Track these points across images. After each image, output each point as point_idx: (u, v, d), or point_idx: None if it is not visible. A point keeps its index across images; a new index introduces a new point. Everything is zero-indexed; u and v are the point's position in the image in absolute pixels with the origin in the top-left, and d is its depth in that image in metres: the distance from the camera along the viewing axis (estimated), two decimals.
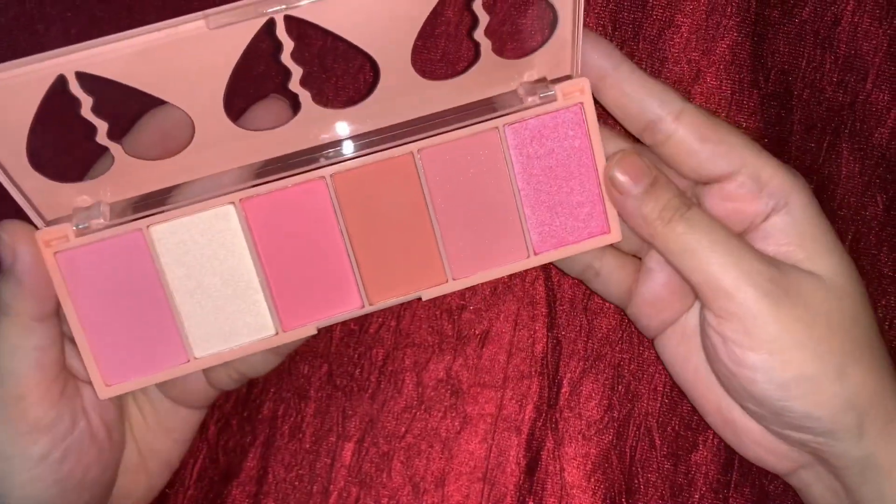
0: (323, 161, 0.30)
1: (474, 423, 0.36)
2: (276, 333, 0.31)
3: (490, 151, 0.31)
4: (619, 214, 0.32)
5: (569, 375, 0.36)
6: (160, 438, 0.33)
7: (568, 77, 0.32)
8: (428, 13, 0.28)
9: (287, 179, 0.30)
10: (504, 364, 0.36)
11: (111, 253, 0.29)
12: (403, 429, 0.36)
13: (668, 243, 0.30)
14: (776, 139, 0.35)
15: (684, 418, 0.36)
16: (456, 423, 0.36)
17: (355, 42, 0.28)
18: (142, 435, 0.33)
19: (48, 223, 0.29)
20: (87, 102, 0.26)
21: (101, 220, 0.29)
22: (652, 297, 0.33)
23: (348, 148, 0.30)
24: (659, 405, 0.36)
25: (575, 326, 0.36)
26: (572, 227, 0.33)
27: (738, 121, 0.35)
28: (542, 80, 0.32)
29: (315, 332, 0.31)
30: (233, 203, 0.30)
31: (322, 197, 0.30)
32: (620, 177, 0.31)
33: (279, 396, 0.36)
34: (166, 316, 0.30)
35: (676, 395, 0.36)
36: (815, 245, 0.30)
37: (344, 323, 0.36)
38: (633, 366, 0.36)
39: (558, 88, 0.31)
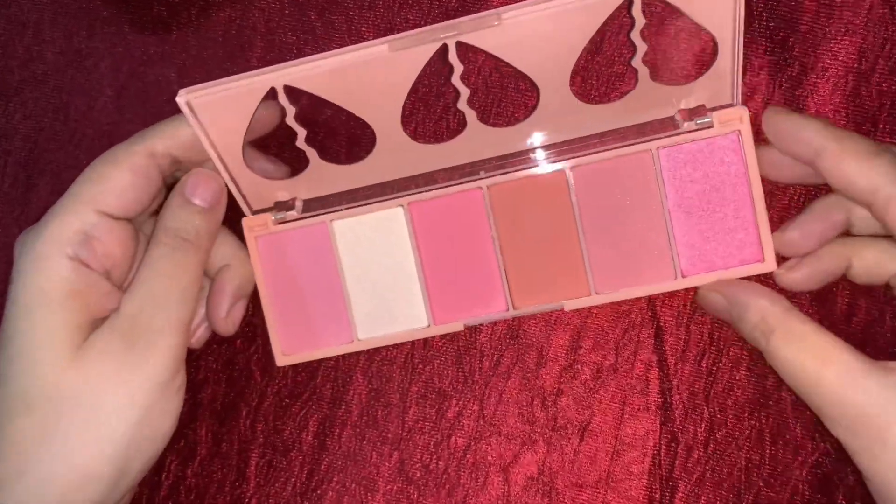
0: (482, 174, 0.33)
1: None
2: (428, 326, 0.34)
3: (642, 173, 0.33)
4: None
5: (685, 479, 0.33)
6: None
7: (729, 106, 0.32)
8: (587, 41, 0.30)
9: (449, 188, 0.34)
10: (607, 462, 0.33)
11: (300, 241, 0.35)
12: None
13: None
14: None
15: None
16: None
17: (518, 67, 0.31)
18: None
19: (253, 212, 0.35)
20: (290, 112, 0.32)
21: (295, 213, 0.34)
22: None
23: (506, 163, 0.33)
24: None
25: (695, 418, 0.33)
26: (724, 253, 0.33)
27: None
28: (701, 107, 0.32)
29: (462, 328, 0.34)
30: (402, 206, 0.34)
31: (478, 205, 0.34)
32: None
33: (343, 486, 0.34)
34: (338, 300, 0.35)
35: None
36: None
37: (419, 404, 0.35)
38: (764, 470, 0.33)
39: (715, 116, 0.32)
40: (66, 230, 0.30)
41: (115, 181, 0.31)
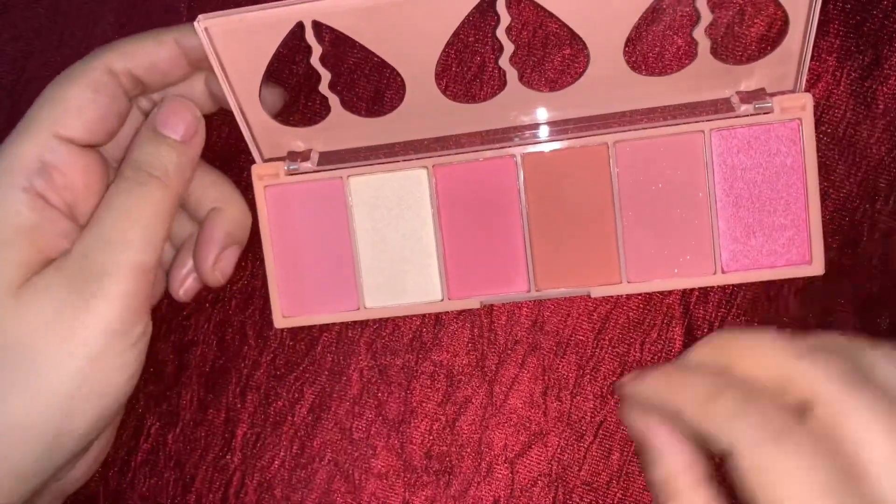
0: (517, 140, 0.31)
1: None
2: (442, 300, 0.32)
3: (691, 155, 0.30)
4: None
5: None
6: None
7: (790, 92, 0.30)
8: (648, 4, 0.28)
9: (479, 153, 0.31)
10: (621, 462, 0.31)
11: (312, 195, 0.32)
12: None
13: None
14: None
15: None
16: None
17: (570, 24, 0.28)
18: None
19: (265, 160, 0.32)
20: (317, 51, 0.29)
21: (309, 165, 0.31)
22: None
23: (544, 132, 0.31)
24: None
25: None
26: (769, 251, 0.30)
27: None
28: (761, 90, 0.30)
29: (478, 306, 0.31)
30: (426, 167, 0.31)
31: (509, 175, 0.31)
32: None
33: (336, 465, 0.32)
34: (347, 263, 0.32)
35: None
36: None
37: (424, 385, 0.32)
38: None
39: (777, 101, 0.29)
40: (22, 158, 0.27)
41: (73, 100, 0.27)
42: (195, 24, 0.28)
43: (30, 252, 0.26)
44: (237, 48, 0.28)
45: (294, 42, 0.29)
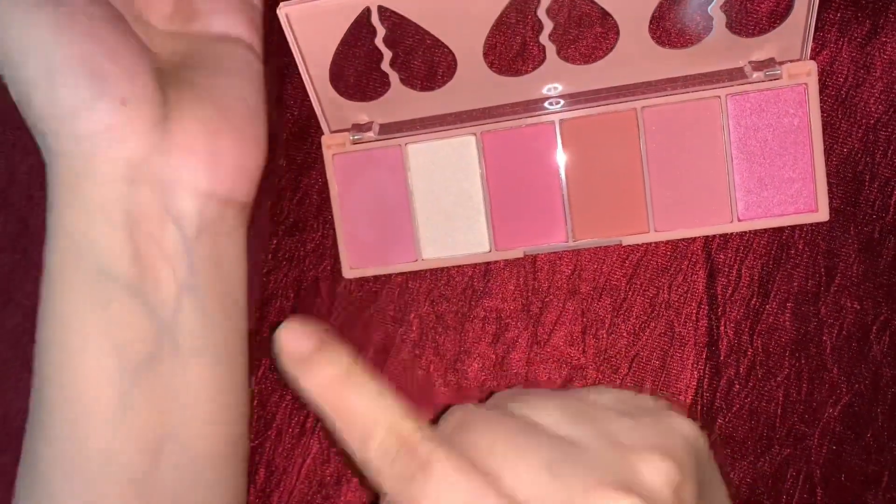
0: (555, 108, 0.35)
1: None
2: (489, 251, 0.36)
3: (709, 118, 0.34)
4: None
5: (725, 410, 0.35)
6: None
7: (798, 60, 0.34)
8: None
9: (521, 120, 0.35)
10: (652, 390, 0.35)
11: (374, 161, 0.36)
12: None
13: None
14: None
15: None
16: None
17: (602, 5, 0.32)
18: None
19: (332, 132, 0.36)
20: (380, 33, 0.33)
21: (371, 135, 0.36)
22: None
23: (579, 100, 0.35)
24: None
25: (738, 355, 0.35)
26: (779, 201, 0.34)
27: None
28: (771, 59, 0.34)
29: (522, 255, 0.36)
30: (474, 134, 0.35)
31: (549, 138, 0.35)
32: None
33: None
34: (406, 220, 0.36)
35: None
36: None
37: (475, 330, 0.36)
38: (799, 406, 0.35)
39: (785, 69, 0.33)
40: None
41: None
42: (277, 10, 0.32)
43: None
44: (312, 32, 0.33)
45: (361, 25, 0.33)
